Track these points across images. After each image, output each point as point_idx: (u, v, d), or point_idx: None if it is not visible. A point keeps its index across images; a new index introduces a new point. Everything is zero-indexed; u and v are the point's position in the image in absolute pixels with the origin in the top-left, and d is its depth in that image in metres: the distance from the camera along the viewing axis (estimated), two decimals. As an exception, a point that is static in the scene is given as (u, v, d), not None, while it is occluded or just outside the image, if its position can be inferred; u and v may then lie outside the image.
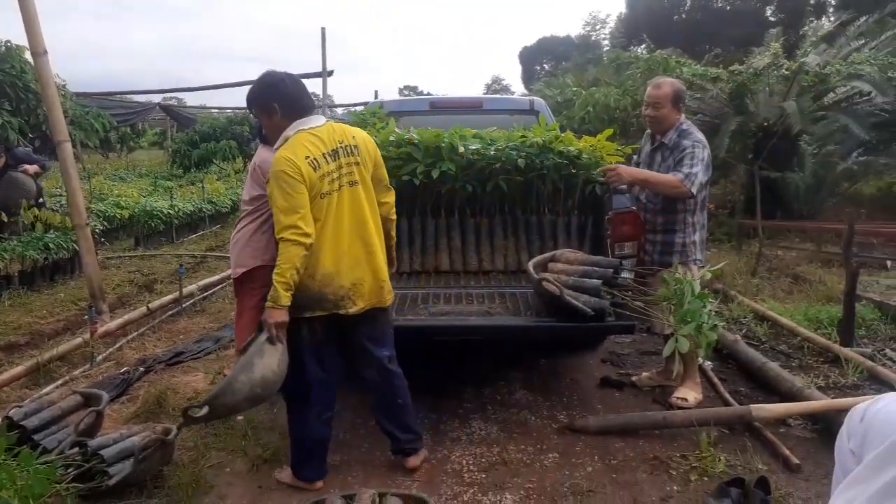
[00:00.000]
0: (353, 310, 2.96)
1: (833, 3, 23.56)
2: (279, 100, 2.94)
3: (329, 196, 2.87)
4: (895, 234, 8.23)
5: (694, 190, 3.82)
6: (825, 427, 3.54)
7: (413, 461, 3.26)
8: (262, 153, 4.15)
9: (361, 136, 3.08)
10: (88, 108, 10.48)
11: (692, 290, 3.37)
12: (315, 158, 2.83)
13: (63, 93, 7.89)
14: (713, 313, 3.44)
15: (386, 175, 3.23)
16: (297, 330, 2.95)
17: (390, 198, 3.27)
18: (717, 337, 3.44)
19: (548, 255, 3.91)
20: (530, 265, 3.70)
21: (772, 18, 24.04)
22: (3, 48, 7.01)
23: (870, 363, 4.35)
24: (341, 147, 2.93)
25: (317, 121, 2.95)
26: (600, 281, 3.49)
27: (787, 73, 9.95)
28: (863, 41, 11.29)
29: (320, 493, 2.96)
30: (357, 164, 2.96)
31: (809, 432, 3.62)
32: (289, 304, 2.82)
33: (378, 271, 3.04)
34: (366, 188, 3.01)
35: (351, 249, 2.95)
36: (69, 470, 2.86)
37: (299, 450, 3.13)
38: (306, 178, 2.78)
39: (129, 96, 21.30)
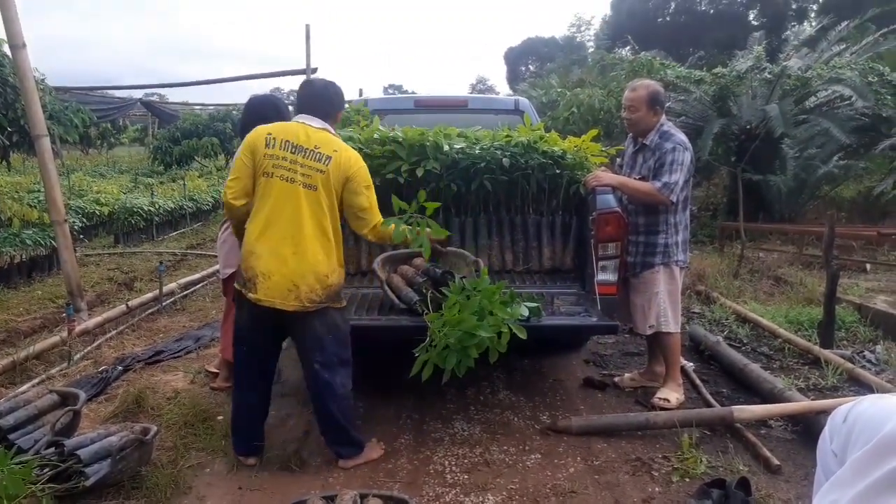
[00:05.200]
0: (251, 296, 3.01)
1: (815, 7, 23.85)
2: (297, 99, 3.35)
3: (270, 178, 3.01)
4: (874, 237, 8.32)
5: (673, 198, 3.86)
6: (805, 428, 3.57)
7: (342, 463, 3.29)
8: None
9: (345, 156, 3.08)
10: (68, 102, 10.32)
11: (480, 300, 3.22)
12: (275, 138, 3.03)
13: (42, 87, 7.76)
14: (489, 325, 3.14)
15: (364, 203, 3.14)
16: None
17: (362, 229, 3.24)
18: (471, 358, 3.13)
19: (404, 253, 3.94)
20: (379, 260, 3.84)
21: (755, 22, 24.31)
22: (-19, 41, 6.88)
23: (849, 365, 4.39)
24: (314, 150, 3.03)
25: (313, 121, 3.13)
26: (424, 279, 3.62)
27: (769, 76, 10.04)
28: (844, 46, 11.42)
29: (302, 494, 2.93)
30: (321, 171, 3.02)
31: (790, 433, 3.64)
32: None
33: (295, 275, 2.98)
34: (322, 197, 3.03)
35: (279, 241, 3.00)
36: (45, 470, 2.81)
37: (231, 417, 3.35)
38: (252, 148, 3.05)
39: (109, 92, 21.06)
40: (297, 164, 3.00)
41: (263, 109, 4.19)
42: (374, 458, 3.35)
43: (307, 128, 3.09)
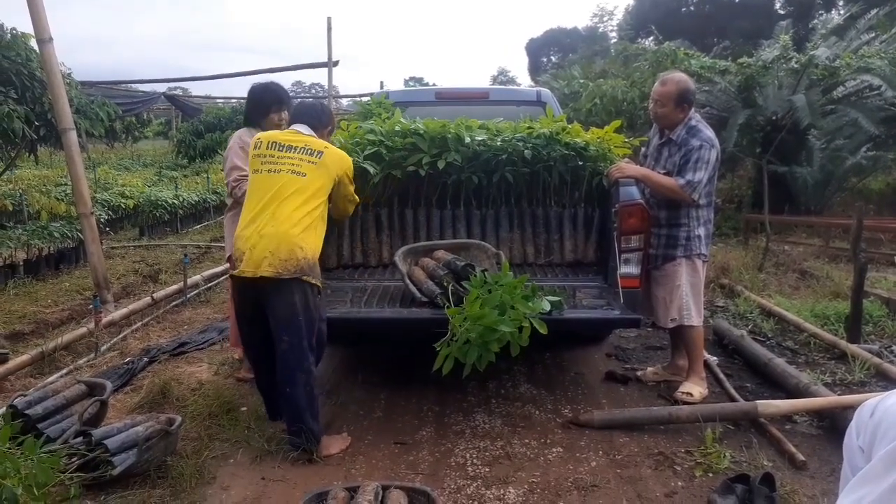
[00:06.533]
0: (235, 272, 3.23)
1: (843, -5, 23.38)
2: (291, 115, 3.70)
3: (258, 174, 3.30)
4: (903, 230, 8.19)
5: (695, 197, 3.83)
6: (831, 424, 3.52)
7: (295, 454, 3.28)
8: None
9: (337, 154, 3.40)
10: (93, 96, 10.40)
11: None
12: (262, 141, 3.35)
13: (68, 81, 7.85)
14: (510, 319, 3.17)
15: (351, 193, 3.56)
16: None
17: (348, 210, 3.70)
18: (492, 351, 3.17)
19: (425, 245, 4.03)
20: (400, 253, 3.88)
21: (781, 11, 23.89)
22: (9, 36, 6.95)
23: (877, 360, 4.32)
24: (304, 147, 3.30)
25: (302, 128, 3.45)
26: (446, 272, 3.61)
27: (796, 66, 9.88)
28: (873, 34, 11.20)
29: (324, 485, 2.95)
30: (312, 162, 3.27)
31: (815, 429, 3.59)
32: None
33: (270, 243, 3.12)
34: (309, 182, 3.25)
35: (261, 217, 3.20)
36: (73, 459, 2.85)
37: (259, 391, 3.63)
38: (248, 150, 3.46)
39: (134, 86, 21.25)
40: (283, 159, 3.26)
41: (264, 96, 4.27)
42: (332, 452, 3.31)
43: (297, 133, 3.40)
